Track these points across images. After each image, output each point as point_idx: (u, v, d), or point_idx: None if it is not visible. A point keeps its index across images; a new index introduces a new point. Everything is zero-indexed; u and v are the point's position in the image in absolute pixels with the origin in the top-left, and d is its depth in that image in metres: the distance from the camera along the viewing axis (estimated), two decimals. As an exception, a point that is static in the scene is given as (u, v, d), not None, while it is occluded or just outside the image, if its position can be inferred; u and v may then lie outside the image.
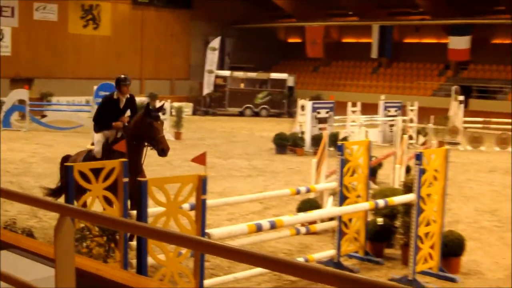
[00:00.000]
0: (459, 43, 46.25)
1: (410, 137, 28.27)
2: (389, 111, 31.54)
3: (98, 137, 11.45)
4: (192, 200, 8.21)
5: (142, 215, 7.73)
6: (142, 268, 7.78)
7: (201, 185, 8.10)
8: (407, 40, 52.36)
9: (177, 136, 29.83)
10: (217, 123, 39.77)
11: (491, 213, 15.97)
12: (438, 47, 48.83)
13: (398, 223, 11.99)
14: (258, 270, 9.61)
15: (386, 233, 11.97)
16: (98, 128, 11.57)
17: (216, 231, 8.75)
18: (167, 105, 30.27)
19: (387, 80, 51.04)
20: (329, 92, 44.17)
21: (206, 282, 8.73)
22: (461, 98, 31.77)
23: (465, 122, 32.05)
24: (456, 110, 31.30)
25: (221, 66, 50.84)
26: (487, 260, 11.87)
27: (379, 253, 11.80)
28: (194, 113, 45.66)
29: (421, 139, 29.44)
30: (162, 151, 10.70)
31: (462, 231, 12.04)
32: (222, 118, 44.23)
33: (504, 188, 19.58)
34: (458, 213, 15.71)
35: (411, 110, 31.07)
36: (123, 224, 4.79)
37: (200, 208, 8.19)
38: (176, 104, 33.82)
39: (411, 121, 30.47)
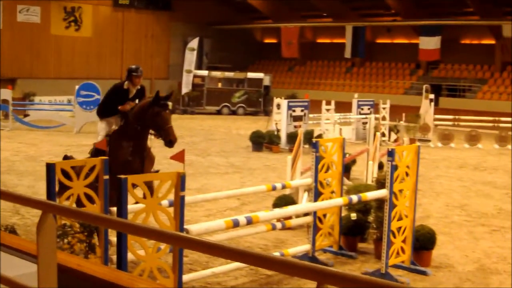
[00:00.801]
0: (430, 43, 46.62)
1: (383, 135, 28.55)
2: (362, 109, 31.78)
3: (102, 125, 11.15)
4: (171, 196, 8.30)
5: (122, 212, 7.77)
6: (122, 264, 7.79)
7: (180, 182, 8.21)
8: (379, 41, 52.72)
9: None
10: (195, 122, 39.80)
11: (461, 208, 16.23)
12: (409, 47, 49.21)
13: (371, 218, 12.14)
14: (235, 264, 9.77)
15: (359, 228, 12.12)
16: (102, 115, 11.22)
17: (194, 227, 8.85)
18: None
19: (360, 79, 51.34)
20: (304, 91, 44.36)
21: (185, 277, 8.85)
22: (432, 96, 32.00)
23: (436, 119, 32.33)
24: (427, 108, 31.57)
25: (199, 66, 50.82)
26: (457, 254, 12.07)
27: (353, 247, 11.95)
28: (173, 112, 45.60)
29: (393, 136, 29.66)
30: (170, 142, 10.41)
31: (433, 226, 12.24)
32: (200, 116, 44.23)
33: (474, 184, 19.88)
34: (429, 208, 15.94)
35: (384, 108, 31.28)
36: (104, 220, 4.90)
37: (179, 204, 8.28)
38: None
39: (384, 119, 30.67)
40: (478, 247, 12.63)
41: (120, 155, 10.41)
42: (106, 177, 8.53)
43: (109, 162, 9.72)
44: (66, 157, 11.71)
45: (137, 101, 11.17)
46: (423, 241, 11.17)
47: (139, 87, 11.26)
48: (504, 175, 21.94)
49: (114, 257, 8.17)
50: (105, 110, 11.14)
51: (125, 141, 10.51)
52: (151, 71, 50.60)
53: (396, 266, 10.83)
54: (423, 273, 10.82)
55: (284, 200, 13.33)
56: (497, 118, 33.24)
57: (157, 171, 10.65)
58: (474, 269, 11.26)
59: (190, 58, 48.74)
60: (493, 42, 45.98)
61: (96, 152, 10.69)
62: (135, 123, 10.50)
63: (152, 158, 10.86)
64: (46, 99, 39.72)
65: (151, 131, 10.71)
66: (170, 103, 10.95)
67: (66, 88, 39.56)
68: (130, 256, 7.93)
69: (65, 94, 40.23)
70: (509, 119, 32.34)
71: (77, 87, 31.74)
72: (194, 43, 49.57)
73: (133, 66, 11.23)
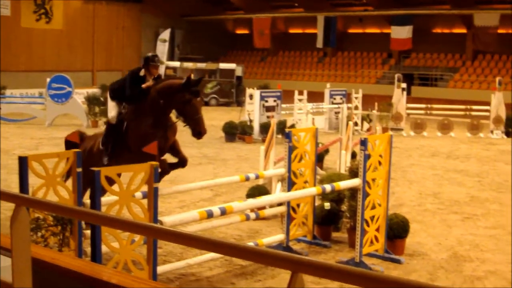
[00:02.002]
0: (401, 32, 46.84)
1: (355, 124, 28.66)
2: (334, 98, 31.87)
3: (113, 104, 10.53)
4: (144, 188, 8.32)
5: (95, 204, 7.75)
6: (96, 256, 7.77)
7: (153, 173, 8.22)
8: (351, 30, 52.83)
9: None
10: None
11: (434, 196, 16.33)
12: (381, 36, 49.36)
13: (344, 207, 12.18)
14: (210, 255, 9.80)
15: (333, 217, 12.17)
16: (113, 97, 10.55)
17: (168, 219, 8.85)
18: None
19: (332, 69, 51.46)
20: (276, 81, 44.44)
21: (159, 268, 8.86)
22: (404, 85, 32.14)
23: (408, 108, 32.53)
24: (399, 97, 31.72)
25: (171, 58, 50.82)
26: (430, 241, 12.17)
27: (327, 236, 12.01)
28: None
29: (366, 125, 29.79)
30: (199, 134, 9.74)
31: (406, 214, 12.33)
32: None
33: (446, 172, 20.01)
34: (402, 196, 16.04)
35: (356, 97, 31.37)
36: (78, 212, 4.89)
37: (152, 196, 8.28)
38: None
39: (356, 108, 30.78)
40: (451, 235, 12.72)
41: (141, 128, 9.89)
42: (79, 169, 8.51)
43: (129, 138, 9.98)
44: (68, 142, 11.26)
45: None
46: (397, 230, 11.23)
47: (155, 76, 10.52)
48: (476, 163, 22.10)
49: (88, 250, 8.14)
50: (117, 93, 10.50)
51: (145, 116, 9.94)
52: (123, 63, 50.51)
53: (370, 255, 10.90)
54: (397, 261, 10.89)
55: (258, 191, 13.35)
56: (469, 107, 33.45)
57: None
58: (447, 256, 11.34)
59: (162, 49, 48.72)
60: (464, 31, 46.22)
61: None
62: (158, 98, 9.87)
63: (175, 130, 10.20)
64: (17, 92, 39.38)
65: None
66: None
67: (37, 81, 39.35)
68: (104, 248, 7.90)
69: (36, 87, 39.93)
70: (481, 107, 32.57)
71: (48, 79, 31.52)
72: (165, 34, 49.54)
73: (150, 55, 10.61)
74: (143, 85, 10.15)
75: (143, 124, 9.91)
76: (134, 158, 9.65)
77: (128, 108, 10.26)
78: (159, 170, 9.25)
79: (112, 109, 10.48)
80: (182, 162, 10.19)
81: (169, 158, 10.16)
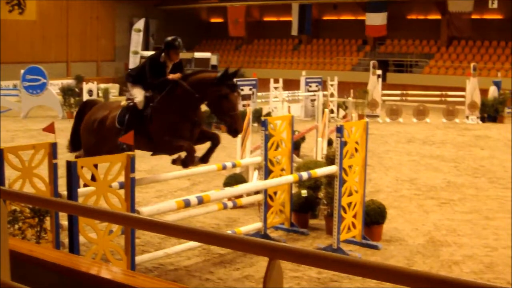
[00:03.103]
0: (376, 19, 46.95)
1: (331, 111, 28.76)
2: (310, 86, 31.90)
3: (138, 89, 9.91)
4: (121, 178, 8.31)
5: (72, 195, 7.70)
6: (74, 247, 7.74)
7: (130, 163, 8.20)
8: (326, 18, 52.87)
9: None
10: (142, 104, 39.52)
11: (410, 182, 16.42)
12: (356, 23, 49.44)
13: (321, 194, 12.24)
14: (188, 245, 9.81)
15: (310, 205, 12.20)
16: (134, 81, 10.00)
17: (146, 209, 8.83)
18: (93, 86, 30.02)
19: (307, 57, 51.49)
20: (251, 69, 44.38)
21: (138, 258, 8.85)
22: (379, 72, 32.24)
23: (384, 95, 32.59)
24: (374, 84, 31.82)
25: (146, 47, 50.57)
26: (407, 227, 12.23)
27: (304, 224, 12.05)
28: (121, 93, 45.23)
29: (342, 112, 29.86)
30: (235, 131, 9.33)
31: (383, 200, 12.38)
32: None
33: (422, 158, 20.11)
34: (379, 183, 16.10)
35: (331, 85, 31.44)
36: (55, 203, 4.89)
37: (129, 186, 8.29)
38: (102, 85, 33.66)
39: (332, 95, 30.85)
40: (428, 220, 12.80)
41: (169, 119, 9.45)
42: (55, 161, 8.49)
43: (153, 126, 9.63)
44: (87, 103, 11.28)
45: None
46: (374, 216, 11.29)
47: (176, 61, 10.02)
48: (452, 149, 22.23)
49: (66, 241, 8.12)
50: (137, 79, 9.96)
51: (174, 107, 9.45)
52: (97, 53, 50.32)
53: (347, 241, 10.95)
54: (374, 247, 10.95)
55: (235, 179, 13.37)
56: (444, 93, 33.60)
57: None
58: (424, 241, 11.41)
59: (136, 39, 48.52)
60: (439, 17, 46.39)
61: (126, 111, 9.95)
62: (192, 91, 9.37)
63: (201, 124, 9.87)
64: (-9, 85, 39.22)
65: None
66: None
67: (11, 72, 38.94)
68: (82, 239, 7.89)
69: (10, 78, 39.62)
70: (456, 93, 32.72)
71: (22, 71, 31.31)
72: (140, 24, 49.32)
73: (170, 39, 10.00)
74: (170, 76, 9.70)
75: (171, 116, 9.46)
76: (152, 146, 9.74)
77: (155, 95, 9.75)
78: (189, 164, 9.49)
79: (138, 94, 9.87)
80: (214, 140, 9.97)
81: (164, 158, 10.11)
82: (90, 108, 10.67)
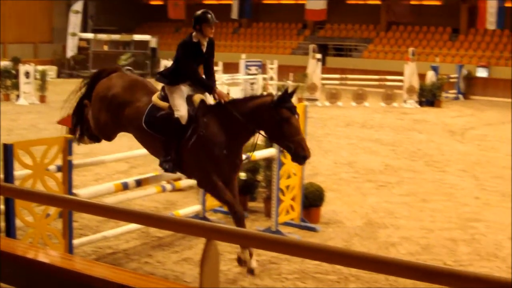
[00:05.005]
0: (316, 3, 47.12)
1: (271, 95, 28.74)
2: (250, 69, 31.82)
3: (178, 95, 8.56)
4: (59, 161, 8.21)
5: (8, 179, 7.61)
6: (10, 231, 7.65)
7: (67, 146, 8.12)
8: (266, 1, 52.97)
9: (42, 99, 29.36)
10: (81, 86, 39.08)
11: (349, 165, 16.55)
12: (296, 7, 49.63)
13: (260, 177, 12.25)
14: (126, 228, 9.75)
15: (249, 187, 12.19)
16: (170, 82, 8.63)
17: (83, 191, 8.77)
18: (30, 68, 29.61)
19: (247, 40, 51.51)
20: (191, 52, 44.20)
21: (75, 241, 8.76)
22: (319, 56, 32.41)
23: (323, 79, 32.73)
24: (314, 68, 31.96)
25: (84, 29, 50.06)
26: (345, 210, 12.34)
27: (243, 206, 11.94)
28: (59, 76, 44.78)
29: (282, 96, 29.92)
30: (303, 158, 8.15)
31: (322, 183, 12.45)
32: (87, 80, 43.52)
33: (361, 141, 20.29)
34: (318, 166, 16.17)
35: (271, 68, 31.50)
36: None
37: (67, 169, 8.21)
38: (40, 67, 33.16)
39: (271, 78, 30.89)
40: (366, 203, 12.93)
41: (214, 149, 8.35)
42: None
43: (193, 150, 8.41)
44: (100, 72, 9.87)
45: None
46: (312, 198, 11.37)
47: (207, 39, 8.73)
48: (390, 132, 22.47)
49: (2, 225, 8.01)
50: (174, 77, 8.63)
51: (221, 135, 8.37)
52: (35, 35, 49.58)
53: (286, 224, 11.00)
54: (313, 229, 11.03)
55: (174, 162, 13.29)
56: (383, 77, 33.88)
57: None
58: (362, 224, 11.54)
59: (75, 21, 47.91)
60: (378, 2, 46.82)
61: (157, 114, 8.62)
62: (249, 123, 8.31)
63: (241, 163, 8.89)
64: None
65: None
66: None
67: None
68: (18, 223, 7.78)
69: None
70: (394, 77, 33.04)
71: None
72: (78, 5, 48.69)
73: (200, 12, 8.67)
74: (217, 91, 8.49)
75: (217, 147, 8.35)
76: (182, 170, 8.75)
77: (200, 113, 8.48)
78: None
79: (180, 106, 8.48)
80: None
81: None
82: (107, 75, 9.54)
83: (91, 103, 9.40)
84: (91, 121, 9.39)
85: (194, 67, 8.61)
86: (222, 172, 8.42)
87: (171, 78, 8.63)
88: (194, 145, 8.38)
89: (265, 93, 14.75)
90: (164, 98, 8.66)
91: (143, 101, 8.84)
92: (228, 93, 8.68)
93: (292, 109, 8.06)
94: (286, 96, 8.09)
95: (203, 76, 8.75)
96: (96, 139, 9.66)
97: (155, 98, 8.75)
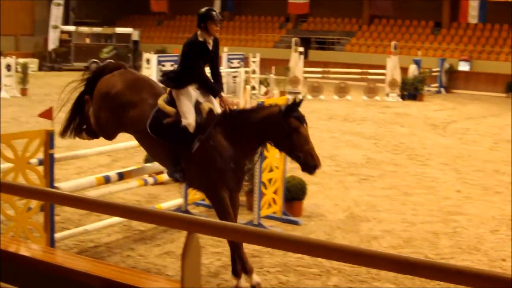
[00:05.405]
0: (299, -4, 47.18)
1: (253, 88, 28.77)
2: (232, 62, 31.84)
3: (186, 101, 8.21)
4: (40, 155, 8.20)
5: (-12, 172, 7.65)
6: (-9, 225, 7.71)
7: (49, 139, 8.11)
8: (248, -6, 52.92)
9: (23, 92, 29.21)
10: (63, 78, 38.62)
11: (331, 158, 16.56)
12: (279, 1, 49.50)
13: (242, 170, 12.29)
14: (108, 221, 9.74)
15: (231, 181, 12.24)
16: (177, 85, 8.29)
17: (65, 185, 8.76)
18: (11, 61, 29.46)
19: (230, 33, 51.40)
20: (173, 45, 43.98)
21: (57, 235, 8.75)
22: (301, 49, 32.44)
23: (305, 72, 32.77)
24: (296, 61, 31.97)
25: (66, 22, 49.82)
26: (327, 203, 12.36)
27: (225, 200, 12.09)
28: (40, 69, 44.55)
29: (263, 89, 29.92)
30: (314, 168, 7.99)
31: (304, 176, 12.43)
32: (68, 73, 43.09)
33: (343, 135, 20.33)
34: (300, 159, 16.17)
35: (253, 61, 31.48)
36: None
37: (48, 162, 8.21)
38: (21, 60, 32.99)
39: (254, 72, 30.87)
40: (348, 196, 12.96)
41: (220, 161, 8.04)
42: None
43: (199, 161, 8.12)
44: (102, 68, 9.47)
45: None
46: (294, 192, 11.38)
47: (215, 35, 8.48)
48: (372, 126, 22.52)
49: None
50: (181, 79, 8.29)
51: (228, 145, 8.09)
52: (16, 27, 49.23)
53: (268, 217, 11.01)
54: (295, 222, 11.05)
55: (156, 155, 13.28)
56: (365, 70, 34.00)
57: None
58: (344, 217, 11.57)
59: (56, 13, 47.64)
60: (360, -5, 46.87)
61: (162, 120, 8.25)
62: (258, 135, 8.09)
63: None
64: None
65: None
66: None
67: None
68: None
69: None
70: (377, 71, 33.12)
71: None
72: (59, -3, 48.52)
73: (205, 10, 8.40)
74: (224, 98, 8.33)
75: (224, 160, 8.06)
76: (186, 180, 8.45)
77: (209, 122, 8.16)
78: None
79: (188, 111, 8.16)
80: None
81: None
82: (110, 71, 9.18)
83: (93, 100, 9.09)
84: (92, 118, 9.11)
85: (201, 67, 8.32)
86: (228, 186, 8.17)
87: (178, 81, 8.29)
88: (201, 157, 8.09)
89: (247, 86, 14.72)
90: (171, 102, 8.30)
91: (148, 103, 8.50)
92: (233, 101, 8.56)
93: (301, 119, 7.88)
94: (294, 105, 7.89)
95: (210, 77, 8.51)
96: (95, 135, 9.34)
97: (161, 101, 8.38)
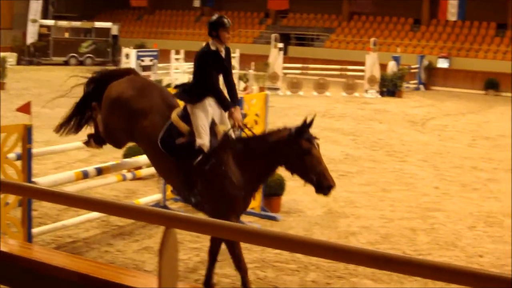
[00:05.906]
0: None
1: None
2: (143, 60, 31.57)
3: (201, 118, 7.87)
4: (18, 149, 8.16)
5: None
6: (-32, 220, 7.66)
7: (27, 134, 8.08)
8: (229, -10, 52.88)
9: (1, 86, 29.04)
10: (42, 73, 38.73)
11: (310, 154, 16.56)
12: (259, -4, 49.59)
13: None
14: (86, 216, 9.70)
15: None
16: (193, 100, 7.96)
17: (43, 180, 8.74)
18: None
19: (209, 28, 51.37)
20: (153, 40, 44.06)
21: (35, 230, 8.72)
22: (281, 45, 32.47)
23: (285, 68, 32.80)
24: (276, 57, 31.99)
25: (45, 16, 49.57)
26: (306, 199, 12.31)
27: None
28: (19, 63, 44.28)
29: (242, 84, 29.91)
30: (328, 188, 7.76)
31: (282, 172, 12.40)
32: (47, 67, 43.09)
33: (322, 130, 20.27)
34: (279, 155, 16.18)
35: (233, 57, 31.48)
36: None
37: (26, 157, 8.17)
38: (-1, 54, 32.86)
39: (233, 67, 30.86)
40: (327, 192, 12.96)
41: (230, 185, 7.80)
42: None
43: (210, 184, 7.89)
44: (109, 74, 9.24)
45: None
46: (273, 188, 11.38)
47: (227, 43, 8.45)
48: (351, 122, 22.58)
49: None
50: (199, 91, 8.00)
51: (239, 169, 7.85)
52: (-5, 21, 48.98)
53: (247, 213, 10.94)
54: (273, 218, 11.08)
55: (134, 150, 13.24)
56: (344, 67, 34.03)
57: None
58: (322, 213, 11.59)
59: (35, 7, 47.39)
60: (340, -8, 46.94)
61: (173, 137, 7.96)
62: (267, 161, 7.91)
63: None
64: None
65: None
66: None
67: None
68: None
69: None
70: (356, 67, 33.20)
71: None
72: (39, -10, 48.30)
73: (216, 18, 8.53)
74: (234, 111, 8.06)
75: (236, 187, 7.81)
76: (193, 203, 8.11)
77: (223, 147, 7.91)
78: None
79: (203, 132, 7.83)
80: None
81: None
82: (119, 77, 8.97)
83: (101, 106, 8.83)
84: (100, 125, 8.91)
85: (216, 77, 8.11)
86: (237, 213, 8.05)
87: (193, 95, 7.98)
88: (213, 182, 7.86)
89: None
90: (185, 117, 8.01)
91: (160, 114, 8.20)
92: (243, 120, 8.36)
93: (312, 140, 7.74)
94: (304, 127, 7.74)
95: (225, 87, 8.31)
96: (103, 143, 9.13)
97: (175, 116, 8.09)
